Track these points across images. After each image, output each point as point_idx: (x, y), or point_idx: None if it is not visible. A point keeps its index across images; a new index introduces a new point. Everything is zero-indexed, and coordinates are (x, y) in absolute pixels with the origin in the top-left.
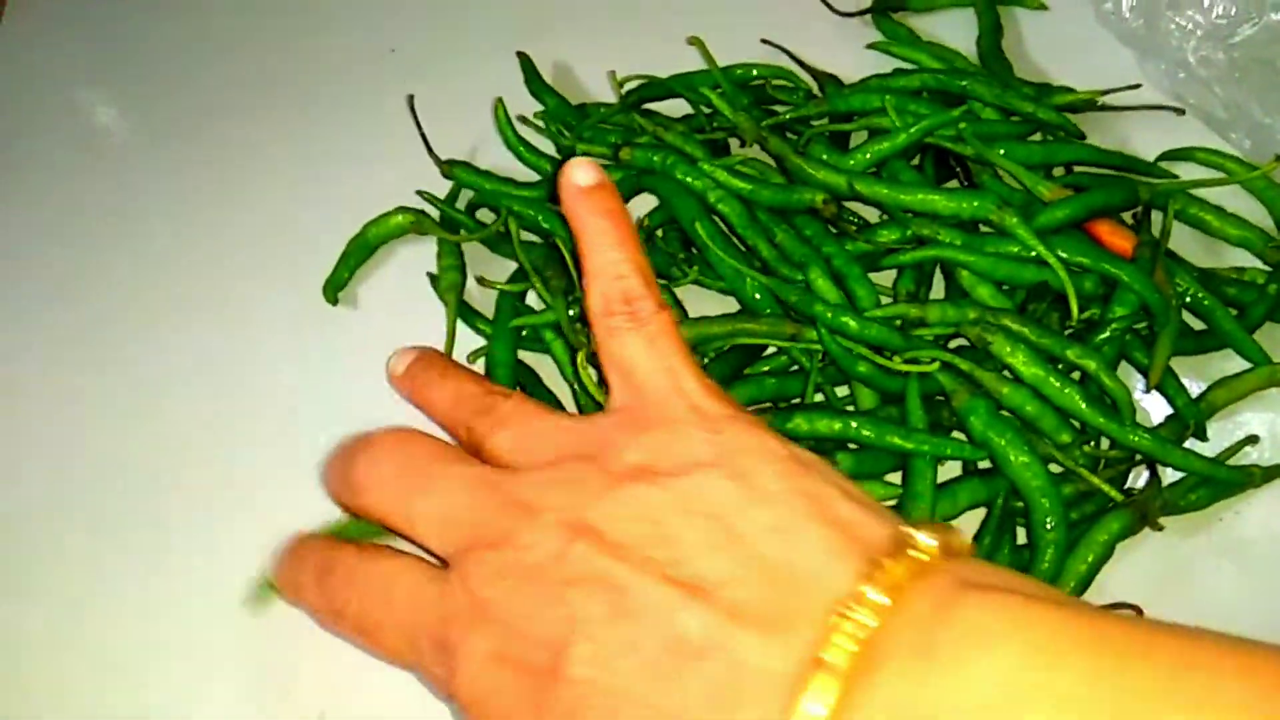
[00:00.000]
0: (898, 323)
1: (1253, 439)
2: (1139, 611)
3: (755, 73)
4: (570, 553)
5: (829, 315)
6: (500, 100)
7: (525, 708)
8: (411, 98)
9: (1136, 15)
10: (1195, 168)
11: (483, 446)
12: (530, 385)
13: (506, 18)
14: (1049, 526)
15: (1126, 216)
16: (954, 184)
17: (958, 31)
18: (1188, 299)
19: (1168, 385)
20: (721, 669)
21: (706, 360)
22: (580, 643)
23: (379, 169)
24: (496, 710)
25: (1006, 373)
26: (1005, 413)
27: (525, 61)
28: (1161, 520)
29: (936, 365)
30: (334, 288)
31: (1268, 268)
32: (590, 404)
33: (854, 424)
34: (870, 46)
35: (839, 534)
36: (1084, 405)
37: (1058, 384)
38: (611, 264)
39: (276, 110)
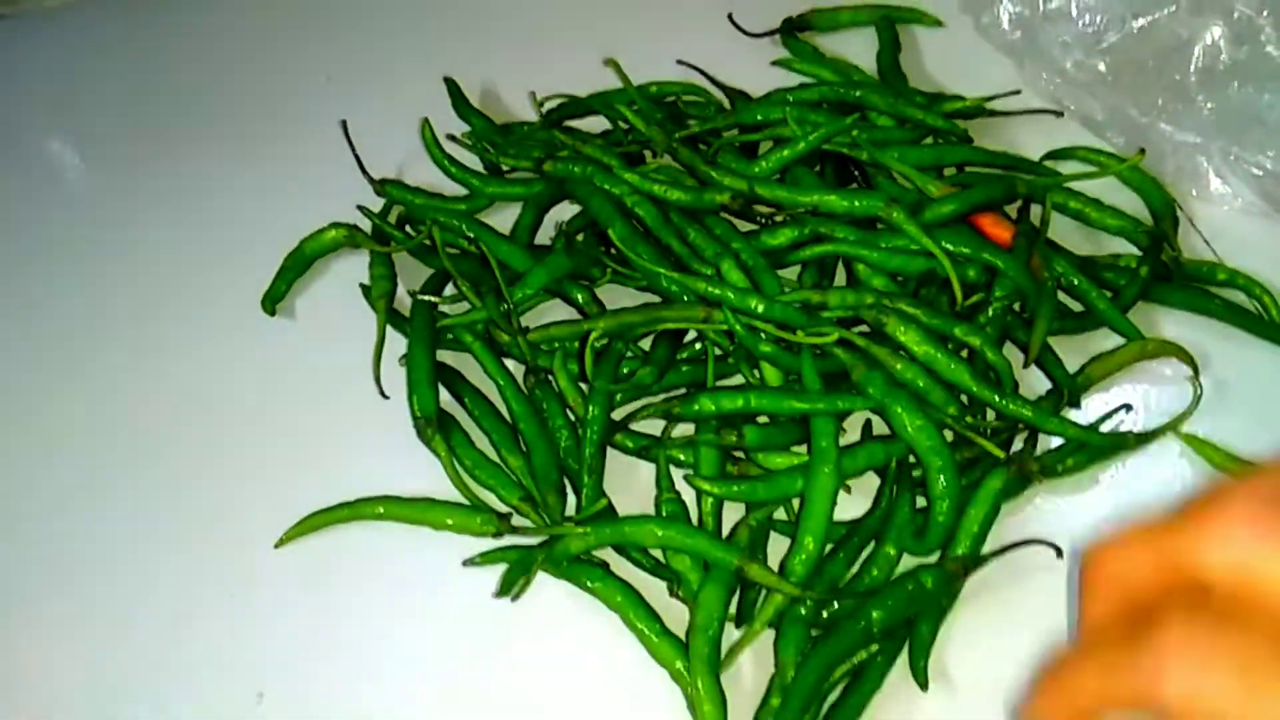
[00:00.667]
0: (796, 306)
1: (1126, 407)
2: (1059, 552)
3: (669, 90)
4: None
5: (735, 298)
6: (426, 120)
7: None
8: (344, 123)
9: (1014, 28)
10: (1078, 165)
11: None
12: (454, 382)
13: (436, 46)
14: (943, 483)
15: (1011, 210)
16: (853, 186)
17: (860, 48)
18: (1066, 282)
19: (1046, 361)
20: None
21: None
22: None
23: (317, 190)
24: None
25: (901, 352)
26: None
27: (452, 86)
28: (1046, 483)
29: (834, 337)
30: (271, 300)
31: (1140, 252)
32: (510, 387)
33: (754, 398)
34: (775, 63)
35: None
36: (969, 379)
37: (945, 360)
38: None
39: (224, 140)
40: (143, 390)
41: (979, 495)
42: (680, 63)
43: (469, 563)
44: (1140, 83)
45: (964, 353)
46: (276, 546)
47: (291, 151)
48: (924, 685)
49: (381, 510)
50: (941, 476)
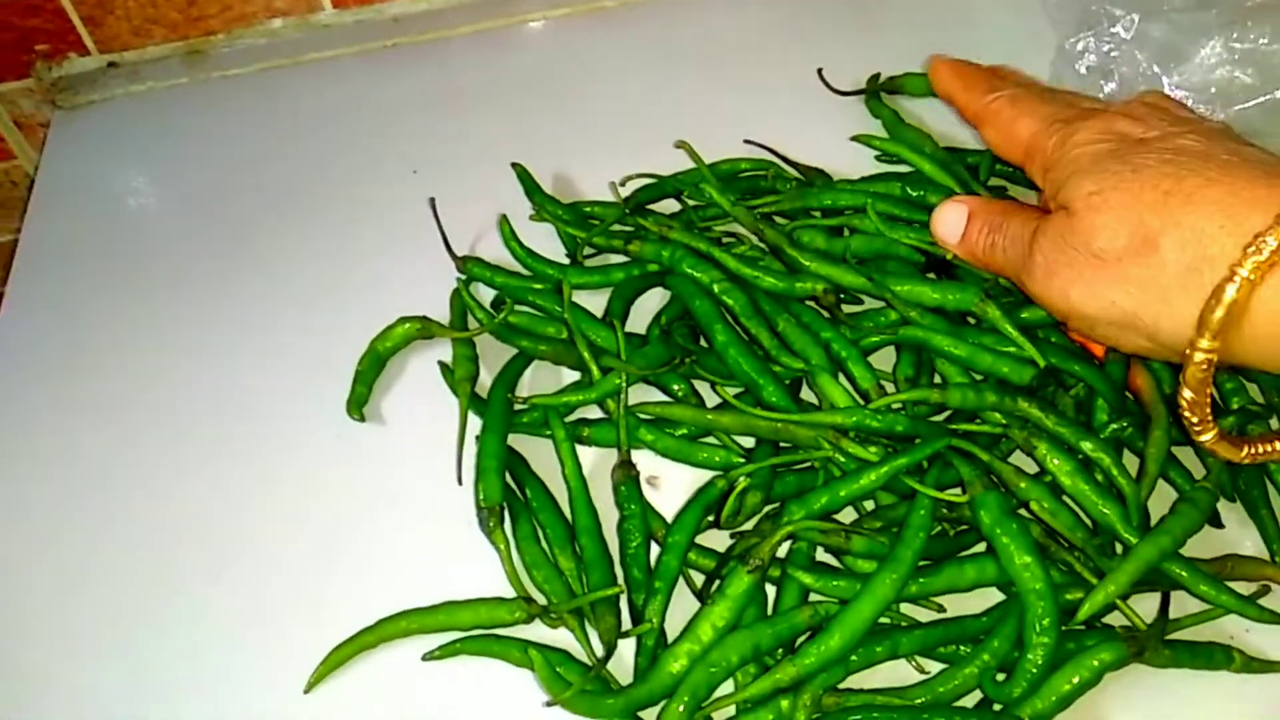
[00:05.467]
0: (922, 408)
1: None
2: None
3: (743, 167)
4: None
5: (844, 418)
6: (504, 217)
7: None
8: (433, 200)
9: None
10: None
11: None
12: (518, 470)
13: (512, 138)
14: (1041, 629)
15: None
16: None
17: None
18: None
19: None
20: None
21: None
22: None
23: (402, 285)
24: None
25: (1043, 477)
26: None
27: (522, 172)
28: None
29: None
30: (357, 405)
31: None
32: (580, 487)
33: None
34: (854, 139)
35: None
36: (1120, 523)
37: (1095, 496)
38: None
39: (302, 233)
40: (224, 497)
41: (1082, 659)
42: (748, 142)
43: (428, 657)
44: None
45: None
46: (305, 692)
47: (376, 246)
48: None
49: (405, 625)
50: (1042, 622)
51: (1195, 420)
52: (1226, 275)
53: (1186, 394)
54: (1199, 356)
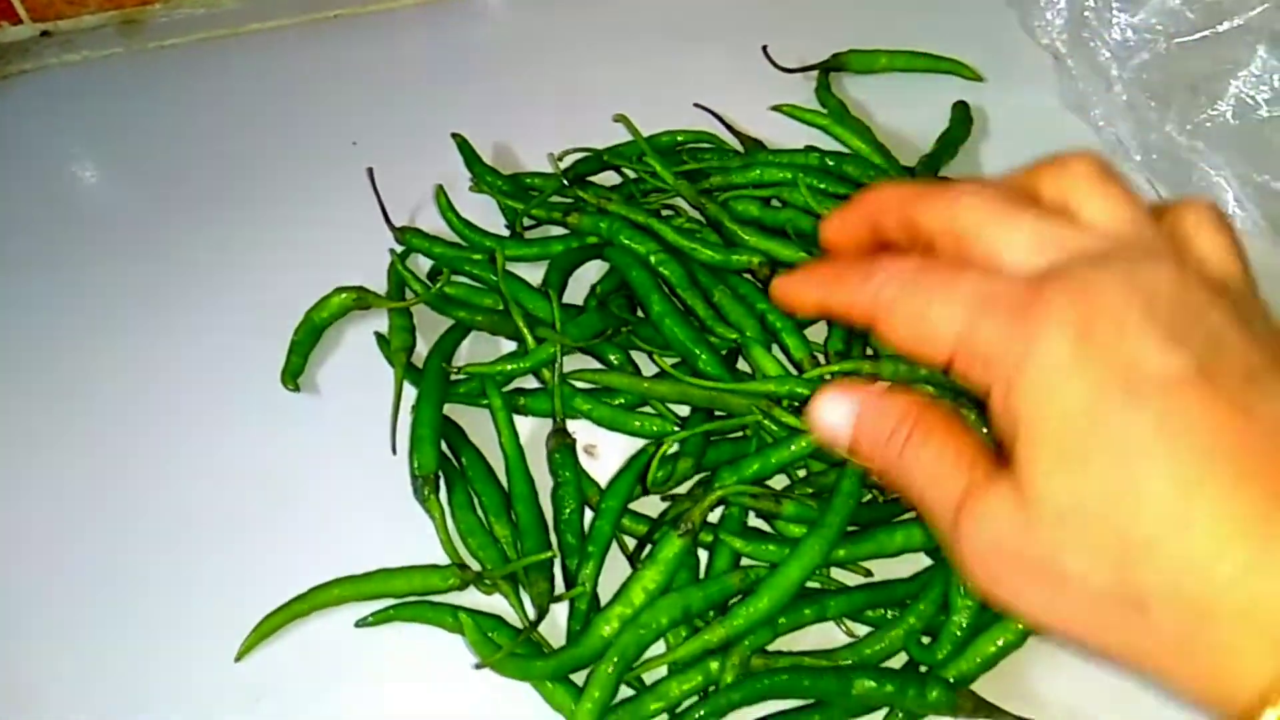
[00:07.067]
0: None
1: None
2: None
3: (680, 139)
4: None
5: (777, 386)
6: (440, 187)
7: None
8: (370, 170)
9: (1059, 36)
10: None
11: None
12: (454, 439)
13: (454, 110)
14: (965, 592)
15: None
16: None
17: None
18: None
19: None
20: None
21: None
22: None
23: (338, 256)
24: None
25: None
26: None
27: (462, 143)
28: None
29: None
30: (291, 375)
31: None
32: (516, 455)
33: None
34: (774, 108)
35: None
36: None
37: None
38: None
39: (248, 206)
40: (158, 466)
41: (1007, 621)
42: (697, 106)
43: (361, 624)
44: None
45: None
46: (236, 660)
47: (314, 217)
48: None
49: (338, 592)
50: (964, 587)
51: None
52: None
53: None
54: None
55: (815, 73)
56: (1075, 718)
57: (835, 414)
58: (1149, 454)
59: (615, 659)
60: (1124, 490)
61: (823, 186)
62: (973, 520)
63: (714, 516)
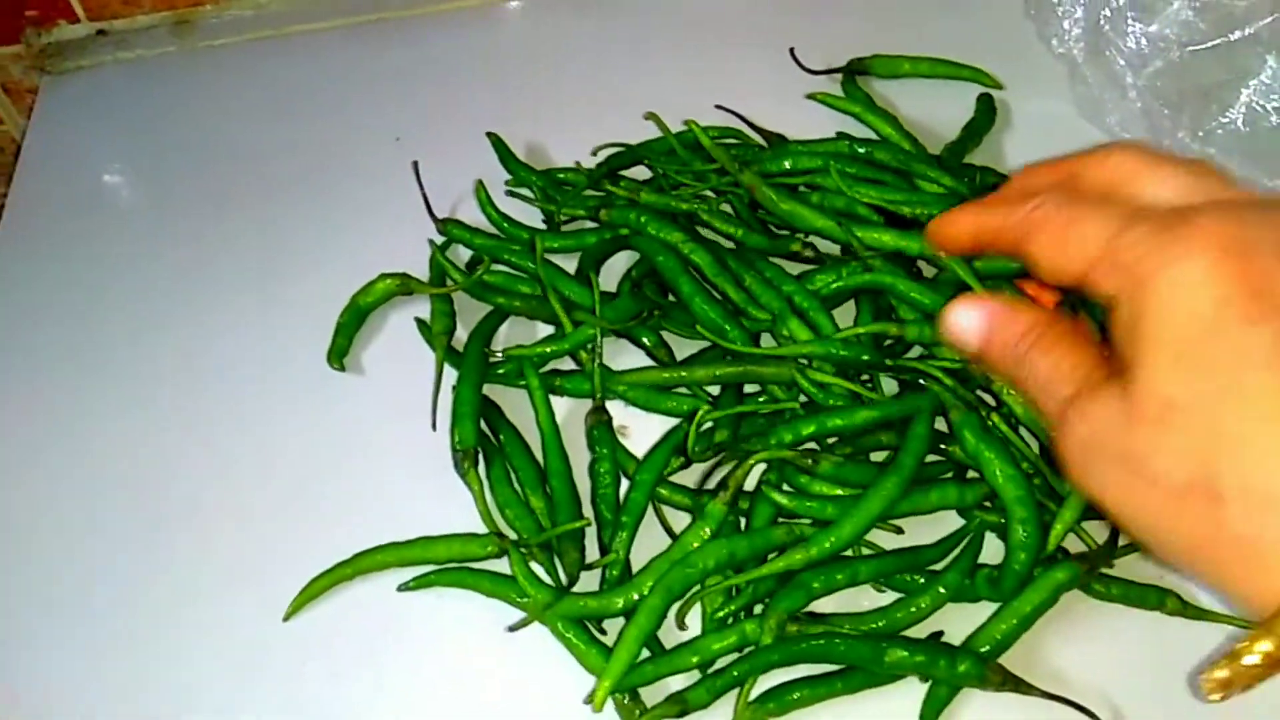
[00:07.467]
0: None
1: None
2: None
3: (710, 133)
4: None
5: (812, 347)
6: (480, 182)
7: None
8: (416, 164)
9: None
10: None
11: None
12: (492, 417)
13: (492, 109)
14: (1023, 534)
15: None
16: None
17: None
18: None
19: None
20: None
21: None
22: None
23: (385, 245)
24: None
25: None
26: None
27: (497, 141)
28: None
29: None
30: (337, 355)
31: None
32: (552, 431)
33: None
34: (809, 96)
35: None
36: None
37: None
38: None
39: (293, 197)
40: (213, 441)
41: (1040, 581)
42: (719, 107)
43: (403, 588)
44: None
45: None
46: (285, 619)
47: (359, 209)
48: None
49: (381, 558)
50: (1022, 528)
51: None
52: None
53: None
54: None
55: (839, 76)
56: (1101, 695)
57: (968, 318)
58: (1261, 365)
59: (661, 591)
60: (1229, 391)
61: (853, 172)
62: (1078, 415)
63: (749, 486)
